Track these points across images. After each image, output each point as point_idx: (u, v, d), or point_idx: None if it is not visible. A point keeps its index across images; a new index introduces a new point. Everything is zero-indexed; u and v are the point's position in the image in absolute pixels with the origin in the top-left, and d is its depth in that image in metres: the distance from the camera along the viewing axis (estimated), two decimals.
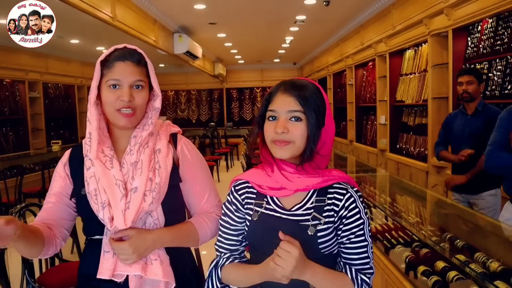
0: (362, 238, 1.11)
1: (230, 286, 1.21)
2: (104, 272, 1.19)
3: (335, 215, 1.11)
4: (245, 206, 1.20)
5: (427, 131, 4.60)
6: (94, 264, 1.22)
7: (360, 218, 1.11)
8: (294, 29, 7.37)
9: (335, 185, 1.14)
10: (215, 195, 1.40)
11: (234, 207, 1.21)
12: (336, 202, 1.12)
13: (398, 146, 5.62)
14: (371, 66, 6.89)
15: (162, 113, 13.57)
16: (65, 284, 2.36)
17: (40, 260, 2.61)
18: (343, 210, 1.11)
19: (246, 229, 1.18)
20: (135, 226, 1.22)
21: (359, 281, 1.09)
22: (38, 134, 8.00)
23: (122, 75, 1.22)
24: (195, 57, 7.80)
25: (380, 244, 2.62)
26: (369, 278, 1.11)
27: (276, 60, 12.43)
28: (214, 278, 1.21)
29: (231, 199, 1.23)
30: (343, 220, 1.11)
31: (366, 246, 1.11)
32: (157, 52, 6.87)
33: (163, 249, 1.26)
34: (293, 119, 1.09)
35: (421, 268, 2.05)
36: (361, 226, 1.11)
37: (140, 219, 1.22)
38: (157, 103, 1.30)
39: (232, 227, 1.22)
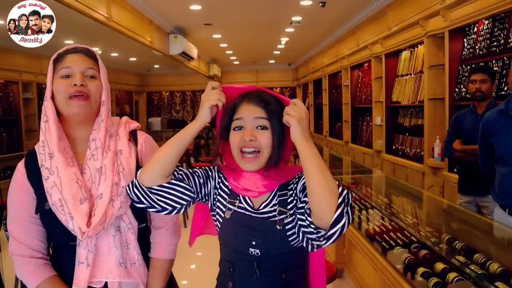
0: None
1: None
2: (79, 284, 1.17)
3: (296, 198, 1.15)
4: (215, 191, 1.22)
5: (423, 132, 4.61)
6: (69, 270, 1.19)
7: None
8: (289, 30, 7.37)
9: (293, 179, 1.19)
10: None
11: (206, 173, 1.23)
12: (295, 185, 1.17)
13: (394, 147, 5.63)
14: (366, 67, 6.90)
15: (157, 114, 13.55)
16: None
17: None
18: (299, 187, 1.14)
19: (219, 224, 1.21)
20: (108, 231, 1.20)
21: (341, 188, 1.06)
22: (32, 135, 7.92)
23: (73, 63, 1.21)
24: (190, 58, 7.78)
25: (378, 245, 2.62)
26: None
27: (271, 61, 12.43)
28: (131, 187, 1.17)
29: (209, 171, 1.24)
30: (300, 195, 1.13)
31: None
32: (153, 53, 6.84)
33: (140, 253, 1.27)
34: (259, 127, 1.13)
35: (421, 270, 2.05)
36: None
37: (111, 225, 1.20)
38: (103, 96, 1.24)
39: (188, 182, 1.18)
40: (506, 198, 2.20)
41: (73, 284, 1.18)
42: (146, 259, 1.31)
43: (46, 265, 1.25)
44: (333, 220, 0.96)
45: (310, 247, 1.08)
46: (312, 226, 1.02)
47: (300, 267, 1.18)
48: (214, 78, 12.43)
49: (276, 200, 1.17)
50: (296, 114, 1.03)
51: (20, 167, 1.26)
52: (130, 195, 1.16)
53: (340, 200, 0.98)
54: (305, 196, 1.06)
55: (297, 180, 1.17)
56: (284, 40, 8.53)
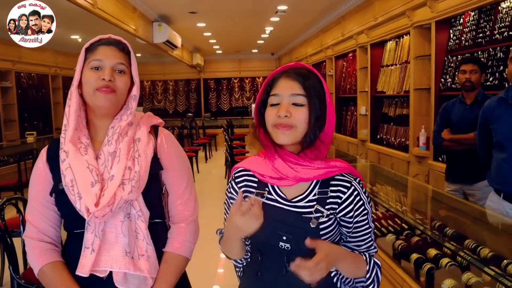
0: (367, 226, 1.15)
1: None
2: (82, 269, 1.16)
3: (338, 207, 1.12)
4: (244, 195, 1.17)
5: (408, 122, 4.69)
6: (76, 258, 1.19)
7: (364, 209, 1.13)
8: (274, 19, 7.34)
9: (337, 177, 1.13)
10: (190, 194, 1.36)
11: (231, 201, 1.20)
12: (340, 195, 1.12)
13: (378, 136, 5.71)
14: (351, 57, 6.95)
15: (139, 104, 13.31)
16: None
17: (24, 256, 2.54)
18: (348, 203, 1.11)
19: None
20: (117, 216, 1.19)
21: (371, 262, 1.16)
22: (11, 126, 7.73)
23: (105, 56, 1.23)
24: (174, 46, 7.68)
25: None
26: (373, 255, 1.19)
27: (255, 51, 12.39)
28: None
29: (230, 189, 1.22)
30: (349, 213, 1.12)
31: (370, 232, 1.16)
32: (136, 42, 6.72)
33: (150, 243, 1.24)
34: (295, 104, 1.09)
35: (414, 256, 2.10)
36: (366, 216, 1.14)
37: (120, 209, 1.19)
38: (134, 90, 1.28)
39: None
40: (502, 183, 2.26)
41: (76, 270, 1.16)
42: (160, 255, 1.28)
43: (53, 250, 1.25)
44: None
45: None
46: None
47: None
48: (197, 67, 12.33)
49: (314, 196, 1.12)
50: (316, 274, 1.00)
51: (43, 152, 1.30)
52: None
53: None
54: (356, 225, 1.15)
55: (345, 189, 1.12)
56: (268, 29, 8.49)
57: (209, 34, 8.92)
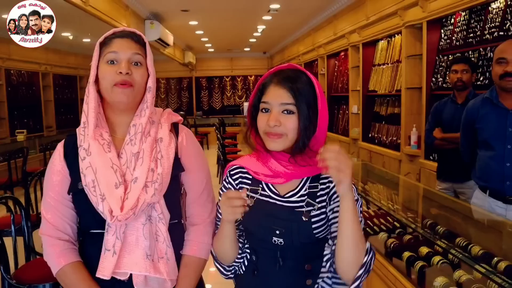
0: None
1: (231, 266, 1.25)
2: (103, 271, 1.15)
3: (327, 197, 1.14)
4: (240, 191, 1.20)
5: (399, 121, 4.72)
6: (95, 260, 1.18)
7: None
8: (267, 17, 7.34)
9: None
10: (208, 195, 1.36)
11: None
12: (329, 185, 1.15)
13: (370, 135, 5.74)
14: (343, 56, 6.98)
15: None
16: (42, 279, 2.28)
17: (15, 255, 2.52)
18: (335, 190, 1.12)
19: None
20: (138, 219, 1.17)
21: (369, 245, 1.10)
22: (1, 123, 7.64)
23: (121, 49, 1.20)
24: (166, 44, 7.65)
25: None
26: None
27: (247, 49, 12.38)
28: (215, 260, 1.27)
29: (226, 184, 1.24)
30: (336, 200, 1.12)
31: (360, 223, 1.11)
32: None
33: (170, 245, 1.22)
34: (285, 112, 1.10)
35: (407, 254, 2.12)
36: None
37: (142, 212, 1.17)
38: (150, 81, 1.25)
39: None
40: (488, 180, 2.30)
41: (97, 272, 1.15)
42: (177, 256, 1.26)
43: (72, 249, 1.24)
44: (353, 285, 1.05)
45: None
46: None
47: (323, 256, 1.15)
48: (188, 66, 12.28)
49: (305, 191, 1.15)
50: (347, 169, 0.98)
51: (59, 148, 1.27)
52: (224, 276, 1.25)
53: (361, 270, 1.05)
54: (336, 205, 1.11)
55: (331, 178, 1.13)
56: (261, 28, 8.50)
57: (201, 32, 8.89)
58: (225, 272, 1.25)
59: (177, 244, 1.26)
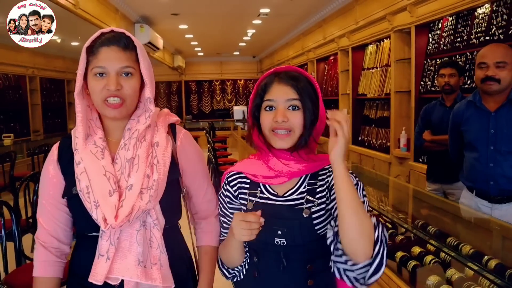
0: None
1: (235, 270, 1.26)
2: (96, 276, 1.13)
3: (327, 189, 1.14)
4: (239, 197, 1.22)
5: (389, 124, 4.78)
6: (89, 263, 1.16)
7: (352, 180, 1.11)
8: (257, 22, 7.38)
9: (325, 168, 1.18)
10: (212, 190, 1.38)
11: (227, 199, 1.25)
12: (327, 179, 1.15)
13: (360, 138, 5.80)
14: (332, 60, 7.04)
15: None
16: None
17: (5, 260, 2.48)
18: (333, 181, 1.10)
19: None
20: (133, 225, 1.16)
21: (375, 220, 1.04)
22: None
23: (108, 62, 1.14)
24: (156, 48, 7.63)
25: None
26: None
27: (236, 53, 12.41)
28: (220, 264, 1.28)
29: (224, 191, 1.25)
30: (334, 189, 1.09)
31: (363, 204, 1.08)
32: None
33: (164, 251, 1.20)
34: (290, 108, 1.12)
35: (400, 254, 2.15)
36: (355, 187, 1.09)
37: (137, 218, 1.15)
38: (147, 91, 1.20)
39: (227, 218, 1.25)
40: (474, 180, 2.36)
41: (89, 277, 1.13)
42: (171, 262, 1.22)
43: (55, 262, 1.23)
44: (372, 264, 0.96)
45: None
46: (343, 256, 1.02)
47: (325, 255, 1.11)
48: (178, 69, 12.26)
49: (304, 188, 1.16)
50: (347, 127, 1.01)
51: (54, 150, 1.25)
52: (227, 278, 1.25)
53: (378, 246, 0.97)
54: (334, 196, 1.06)
55: (329, 173, 1.14)
56: (250, 32, 8.53)
57: (190, 36, 8.89)
58: (228, 275, 1.27)
59: (171, 249, 1.23)
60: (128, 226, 1.15)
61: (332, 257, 1.05)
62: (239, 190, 1.21)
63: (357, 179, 1.13)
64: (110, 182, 1.13)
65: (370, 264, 0.97)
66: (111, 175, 1.15)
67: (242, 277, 1.23)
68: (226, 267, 1.26)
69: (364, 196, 1.11)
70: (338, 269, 1.04)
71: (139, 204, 1.13)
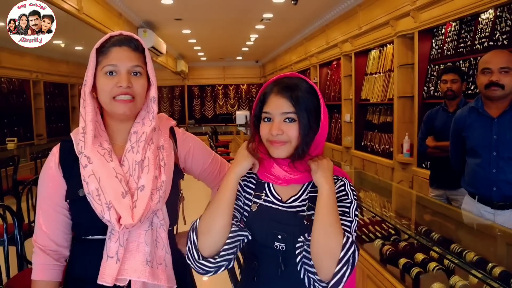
0: (347, 215, 1.12)
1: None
2: (106, 278, 1.13)
3: None
4: (244, 194, 1.22)
5: (391, 129, 4.77)
6: (91, 266, 1.16)
7: (347, 198, 1.15)
8: (260, 27, 7.40)
9: None
10: (217, 158, 1.50)
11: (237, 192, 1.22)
12: None
13: (363, 143, 5.79)
14: (335, 65, 7.04)
15: None
16: None
17: (7, 265, 2.48)
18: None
19: (244, 219, 1.19)
20: (142, 226, 1.17)
21: (349, 239, 1.05)
22: None
23: (119, 60, 1.17)
24: (159, 53, 7.65)
25: (358, 238, 2.70)
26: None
27: (239, 58, 12.45)
28: (196, 257, 1.10)
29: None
30: (339, 198, 1.13)
31: (350, 223, 1.10)
32: None
33: (169, 251, 1.23)
34: (287, 120, 1.13)
35: (403, 261, 2.13)
36: (348, 205, 1.14)
37: (147, 219, 1.17)
38: (153, 91, 1.24)
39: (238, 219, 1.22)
40: (476, 186, 2.34)
41: (98, 279, 1.13)
42: (174, 263, 1.26)
43: (56, 266, 1.23)
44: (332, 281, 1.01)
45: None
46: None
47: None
48: (181, 74, 12.29)
49: (307, 195, 1.17)
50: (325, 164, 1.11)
51: (55, 153, 1.24)
52: (196, 270, 1.10)
53: (340, 265, 1.01)
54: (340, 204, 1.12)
55: (336, 182, 1.16)
56: (253, 36, 8.55)
57: (193, 41, 8.93)
58: (210, 265, 1.08)
59: (172, 250, 1.27)
60: (137, 227, 1.16)
61: (305, 266, 1.08)
62: (245, 188, 1.22)
63: (355, 197, 1.15)
64: (122, 184, 1.15)
65: (328, 282, 1.02)
66: (122, 177, 1.16)
67: (225, 268, 1.14)
68: (204, 258, 1.09)
69: (355, 216, 1.13)
70: (309, 277, 1.08)
71: (150, 204, 1.16)
